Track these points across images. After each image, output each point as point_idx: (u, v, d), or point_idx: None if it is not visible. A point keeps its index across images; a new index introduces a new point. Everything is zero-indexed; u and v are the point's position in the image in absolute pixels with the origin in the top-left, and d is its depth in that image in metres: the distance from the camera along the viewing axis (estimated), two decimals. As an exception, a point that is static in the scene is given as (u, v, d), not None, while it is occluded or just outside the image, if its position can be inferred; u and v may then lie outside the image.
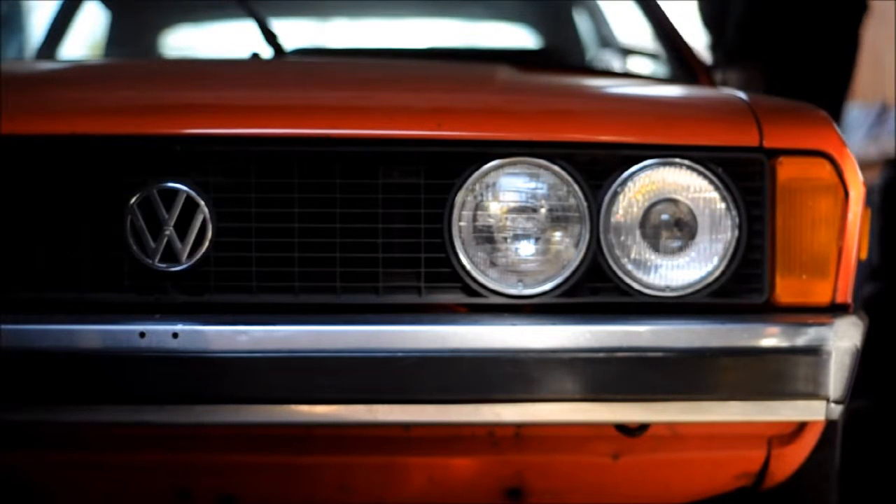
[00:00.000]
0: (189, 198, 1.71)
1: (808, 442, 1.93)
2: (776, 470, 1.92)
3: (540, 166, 1.75)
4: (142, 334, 1.65)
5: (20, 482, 1.84)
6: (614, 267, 1.76)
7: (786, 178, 1.78)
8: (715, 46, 3.65)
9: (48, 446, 1.79)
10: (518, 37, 3.91)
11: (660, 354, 1.70)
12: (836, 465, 2.10)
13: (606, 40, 3.53)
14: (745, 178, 1.77)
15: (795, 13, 3.50)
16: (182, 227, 1.71)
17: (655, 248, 1.77)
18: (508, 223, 1.76)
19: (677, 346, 1.70)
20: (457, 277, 1.74)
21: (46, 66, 2.76)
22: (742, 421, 1.79)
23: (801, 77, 3.37)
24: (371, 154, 1.73)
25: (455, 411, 1.70)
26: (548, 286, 1.76)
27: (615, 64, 3.38)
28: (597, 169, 1.76)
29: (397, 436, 1.79)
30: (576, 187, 1.75)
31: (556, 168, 1.75)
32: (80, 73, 2.26)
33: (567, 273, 1.75)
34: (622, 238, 1.76)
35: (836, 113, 3.49)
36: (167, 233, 1.71)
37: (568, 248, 1.76)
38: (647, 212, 1.77)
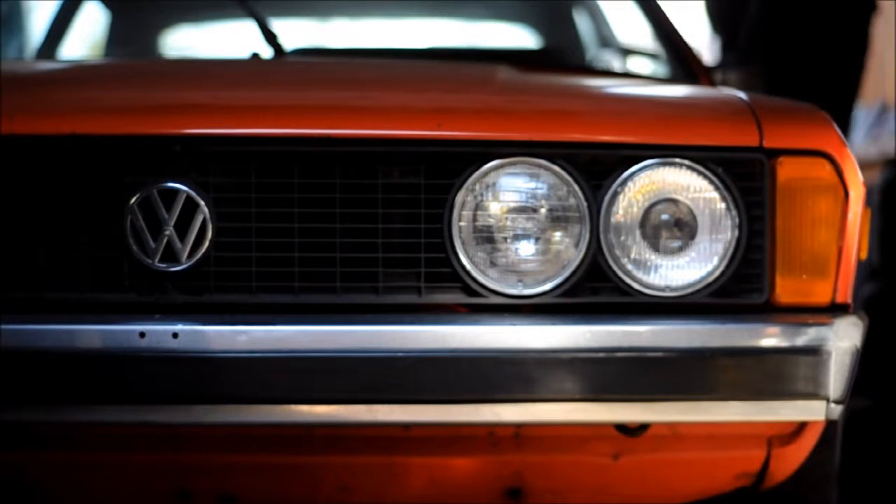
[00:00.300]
0: (189, 198, 1.71)
1: (808, 442, 1.93)
2: (776, 470, 1.92)
3: (540, 166, 1.75)
4: (142, 334, 1.65)
5: (20, 482, 1.84)
6: (614, 267, 1.76)
7: (786, 178, 1.78)
8: (727, 47, 3.64)
9: (48, 446, 1.79)
10: (518, 37, 3.91)
11: (660, 354, 1.70)
12: (836, 465, 2.11)
13: (606, 40, 3.53)
14: (745, 178, 1.77)
15: (805, 13, 3.50)
16: (182, 227, 1.71)
17: (655, 248, 1.77)
18: (508, 223, 1.76)
19: (677, 346, 1.70)
20: (457, 277, 1.74)
21: (46, 66, 2.76)
22: (742, 421, 1.79)
23: (812, 77, 3.36)
24: (371, 154, 1.73)
25: (455, 411, 1.70)
26: (548, 286, 1.76)
27: (615, 64, 3.38)
28: (597, 169, 1.76)
29: (397, 436, 1.79)
30: (576, 187, 1.75)
31: (556, 168, 1.75)
32: (80, 73, 2.26)
33: (567, 273, 1.76)
34: (622, 238, 1.76)
35: (846, 113, 3.48)
36: (167, 233, 1.71)
37: (568, 248, 1.76)
38: (647, 212, 1.77)
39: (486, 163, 1.74)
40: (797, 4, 3.52)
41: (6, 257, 1.72)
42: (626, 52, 3.40)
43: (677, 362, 1.70)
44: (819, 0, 3.53)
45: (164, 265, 1.71)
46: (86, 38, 3.62)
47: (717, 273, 1.77)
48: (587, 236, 1.76)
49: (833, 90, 3.37)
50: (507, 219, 1.76)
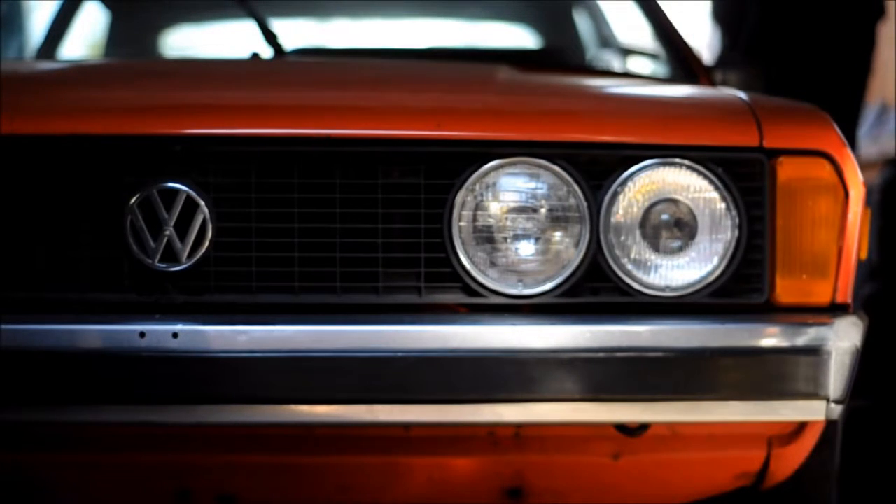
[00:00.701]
0: (189, 198, 1.71)
1: (808, 442, 1.93)
2: (776, 470, 1.92)
3: (540, 166, 1.75)
4: (142, 334, 1.65)
5: (21, 482, 1.84)
6: (614, 267, 1.76)
7: (786, 178, 1.78)
8: (732, 47, 3.64)
9: (48, 446, 1.79)
10: (518, 37, 3.91)
11: (660, 354, 1.70)
12: (836, 465, 2.11)
13: (606, 40, 3.53)
14: (745, 178, 1.77)
15: (810, 15, 3.50)
16: (182, 227, 1.71)
17: (655, 248, 1.77)
18: (508, 223, 1.76)
19: (677, 346, 1.70)
20: (457, 277, 1.74)
21: (46, 66, 2.76)
22: (742, 421, 1.79)
23: (818, 79, 3.36)
24: (371, 154, 1.73)
25: (455, 411, 1.70)
26: (548, 286, 1.76)
27: (615, 64, 3.38)
28: (597, 169, 1.76)
29: (397, 436, 1.79)
30: (576, 187, 1.75)
31: (556, 168, 1.75)
32: (80, 73, 2.26)
33: (567, 273, 1.76)
34: (622, 238, 1.76)
35: (853, 115, 3.48)
36: (167, 233, 1.71)
37: (568, 248, 1.76)
38: (647, 212, 1.77)
39: (486, 163, 1.74)
40: (801, 6, 3.52)
41: (6, 257, 1.72)
42: (626, 52, 3.40)
43: (677, 362, 1.70)
44: (827, 3, 3.53)
45: (164, 265, 1.71)
46: (86, 38, 3.62)
47: (717, 273, 1.77)
48: (587, 236, 1.76)
49: (839, 92, 3.36)
50: (507, 219, 1.76)
